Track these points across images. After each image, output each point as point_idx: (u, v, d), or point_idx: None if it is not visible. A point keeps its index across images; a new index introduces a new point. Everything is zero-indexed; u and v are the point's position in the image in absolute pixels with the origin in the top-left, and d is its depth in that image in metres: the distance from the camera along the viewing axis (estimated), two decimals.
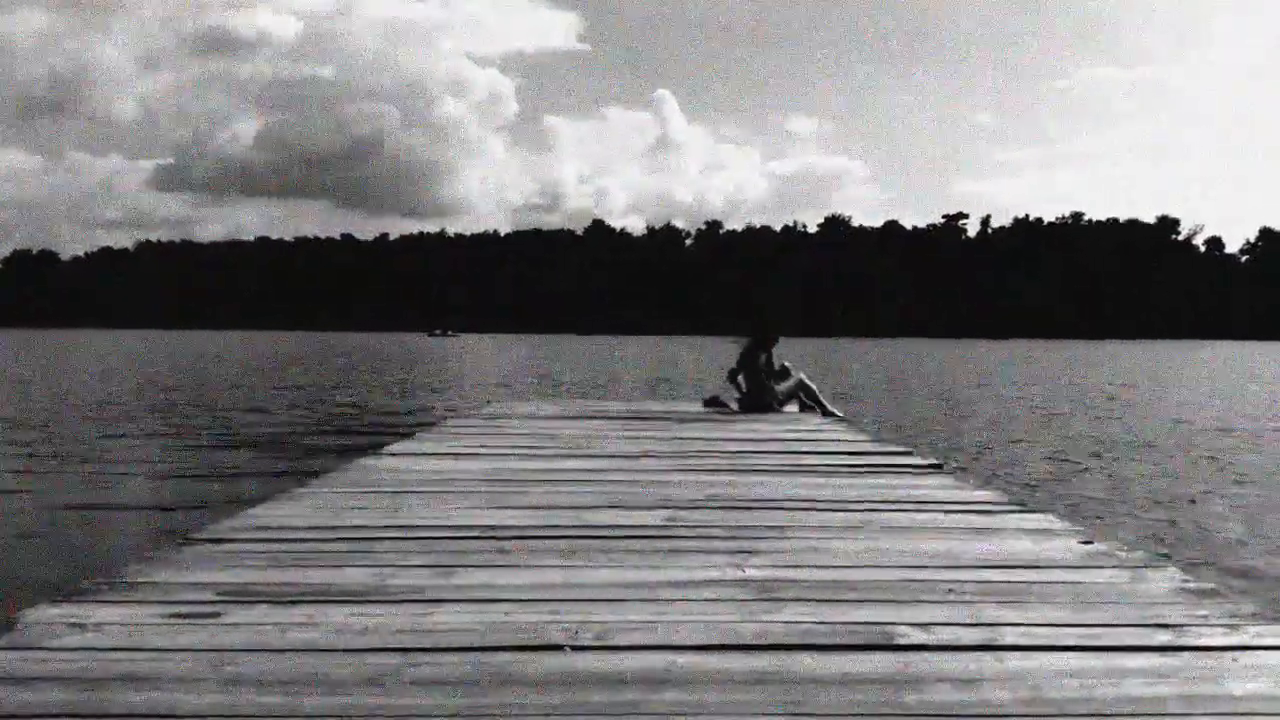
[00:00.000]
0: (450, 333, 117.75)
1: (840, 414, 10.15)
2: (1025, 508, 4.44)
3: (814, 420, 9.23)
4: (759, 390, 10.02)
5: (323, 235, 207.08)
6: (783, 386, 10.09)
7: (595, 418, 9.06)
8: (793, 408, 10.09)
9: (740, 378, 10.18)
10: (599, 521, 3.95)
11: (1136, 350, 73.82)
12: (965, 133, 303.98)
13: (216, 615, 2.61)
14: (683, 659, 2.29)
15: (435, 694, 2.09)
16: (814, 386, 10.32)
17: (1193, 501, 8.10)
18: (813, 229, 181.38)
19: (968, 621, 2.59)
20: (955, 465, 9.28)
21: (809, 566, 3.21)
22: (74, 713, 1.98)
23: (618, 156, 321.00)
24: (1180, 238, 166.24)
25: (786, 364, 10.42)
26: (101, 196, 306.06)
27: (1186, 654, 2.35)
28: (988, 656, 2.33)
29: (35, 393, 20.44)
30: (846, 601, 2.78)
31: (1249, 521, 7.23)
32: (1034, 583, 3.00)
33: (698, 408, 10.39)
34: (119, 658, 2.27)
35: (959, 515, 4.17)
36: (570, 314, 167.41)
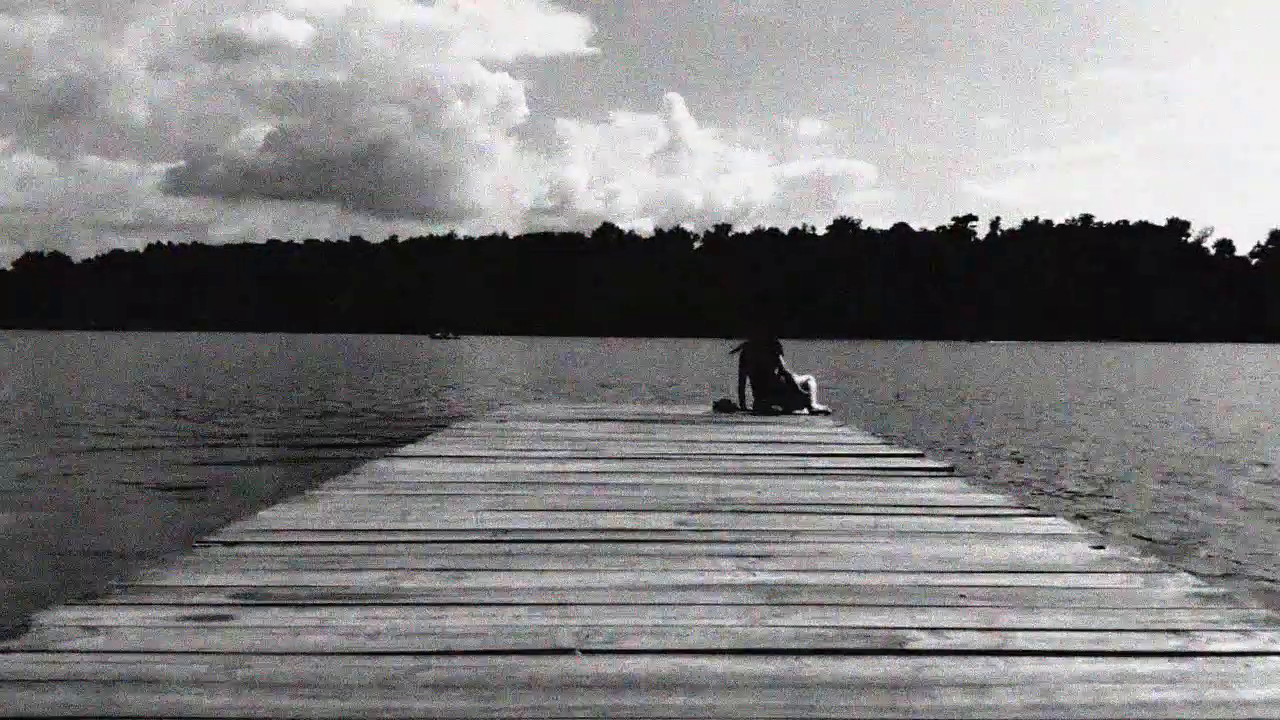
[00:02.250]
0: (450, 335, 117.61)
1: (827, 409, 10.17)
2: (1037, 512, 4.43)
3: (824, 423, 9.22)
4: (768, 391, 10.02)
5: (333, 238, 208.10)
6: (793, 386, 10.09)
7: (605, 420, 9.06)
8: (802, 411, 10.08)
9: (748, 380, 10.18)
10: (609, 525, 3.95)
11: (1145, 353, 73.53)
12: (974, 136, 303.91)
13: (229, 618, 2.62)
14: (693, 663, 2.29)
15: (446, 697, 2.09)
16: (813, 387, 10.30)
17: (1208, 506, 8.06)
18: (822, 231, 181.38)
19: (979, 626, 2.59)
20: (968, 467, 9.26)
21: (819, 570, 3.21)
22: (86, 715, 1.99)
23: (627, 159, 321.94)
24: (1190, 240, 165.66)
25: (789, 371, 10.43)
26: (114, 200, 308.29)
27: (1198, 660, 2.34)
28: (999, 661, 2.33)
29: (47, 395, 20.52)
30: (857, 606, 2.78)
31: (1264, 525, 7.20)
32: (1045, 587, 2.99)
33: (707, 410, 10.39)
34: (131, 660, 2.28)
35: (970, 519, 4.16)
36: (580, 316, 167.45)
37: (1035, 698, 2.11)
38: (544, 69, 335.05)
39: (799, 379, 10.17)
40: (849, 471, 5.71)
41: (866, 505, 4.50)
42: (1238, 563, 5.99)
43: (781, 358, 10.10)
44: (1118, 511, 7.72)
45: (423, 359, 46.18)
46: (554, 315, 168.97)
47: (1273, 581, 5.53)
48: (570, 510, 4.30)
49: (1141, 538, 6.53)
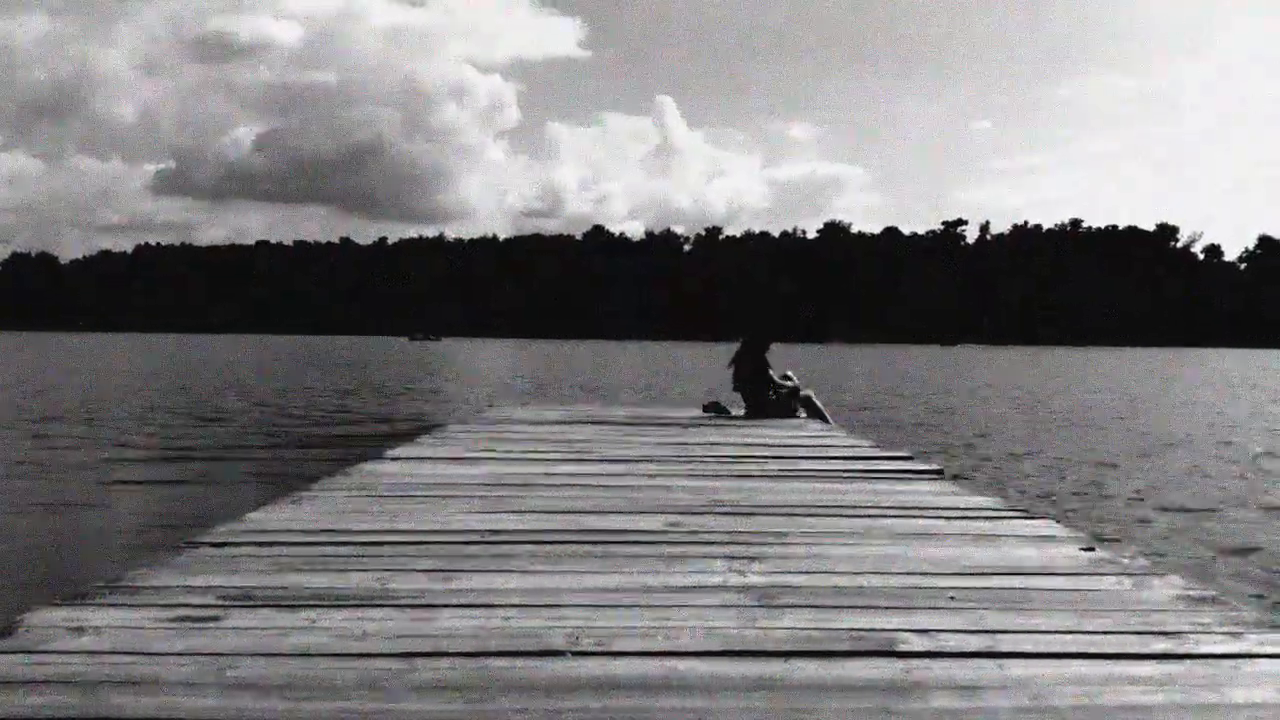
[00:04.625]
0: (430, 337, 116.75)
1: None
2: (1027, 514, 4.43)
3: (815, 426, 9.23)
4: (759, 395, 10.02)
5: (322, 240, 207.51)
6: (785, 392, 10.11)
7: (596, 423, 9.05)
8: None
9: (739, 383, 10.20)
10: (600, 526, 3.95)
11: (1132, 357, 73.79)
12: (965, 140, 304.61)
13: (217, 619, 2.60)
14: (684, 665, 2.29)
15: (435, 699, 2.08)
16: (819, 402, 10.29)
17: (1196, 509, 8.09)
18: (812, 235, 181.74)
19: (969, 628, 2.59)
20: (956, 471, 9.27)
21: (810, 572, 3.20)
22: (74, 716, 1.97)
23: (618, 162, 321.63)
24: (1179, 245, 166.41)
25: (790, 373, 10.48)
26: (102, 200, 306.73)
27: (1188, 662, 2.35)
28: (989, 664, 2.33)
29: (34, 396, 20.42)
30: (848, 608, 2.78)
31: (1252, 529, 7.23)
32: (1036, 589, 3.00)
33: (697, 413, 10.39)
34: (119, 661, 2.26)
35: (961, 521, 4.17)
36: (569, 319, 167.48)
37: (1026, 700, 2.11)
38: (535, 71, 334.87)
39: (803, 392, 10.18)
40: (839, 474, 5.72)
41: (857, 508, 4.50)
42: (1230, 563, 6.01)
43: (771, 372, 10.11)
44: (1103, 513, 7.74)
45: (394, 362, 45.87)
46: (544, 318, 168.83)
47: (1263, 582, 5.55)
48: (561, 512, 4.29)
49: (1128, 538, 6.55)
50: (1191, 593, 2.96)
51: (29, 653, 2.31)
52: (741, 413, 10.08)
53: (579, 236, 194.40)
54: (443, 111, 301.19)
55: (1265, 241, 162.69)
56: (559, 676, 2.21)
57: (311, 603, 2.77)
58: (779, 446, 7.20)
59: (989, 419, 17.28)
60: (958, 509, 4.50)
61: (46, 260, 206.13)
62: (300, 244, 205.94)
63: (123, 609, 2.67)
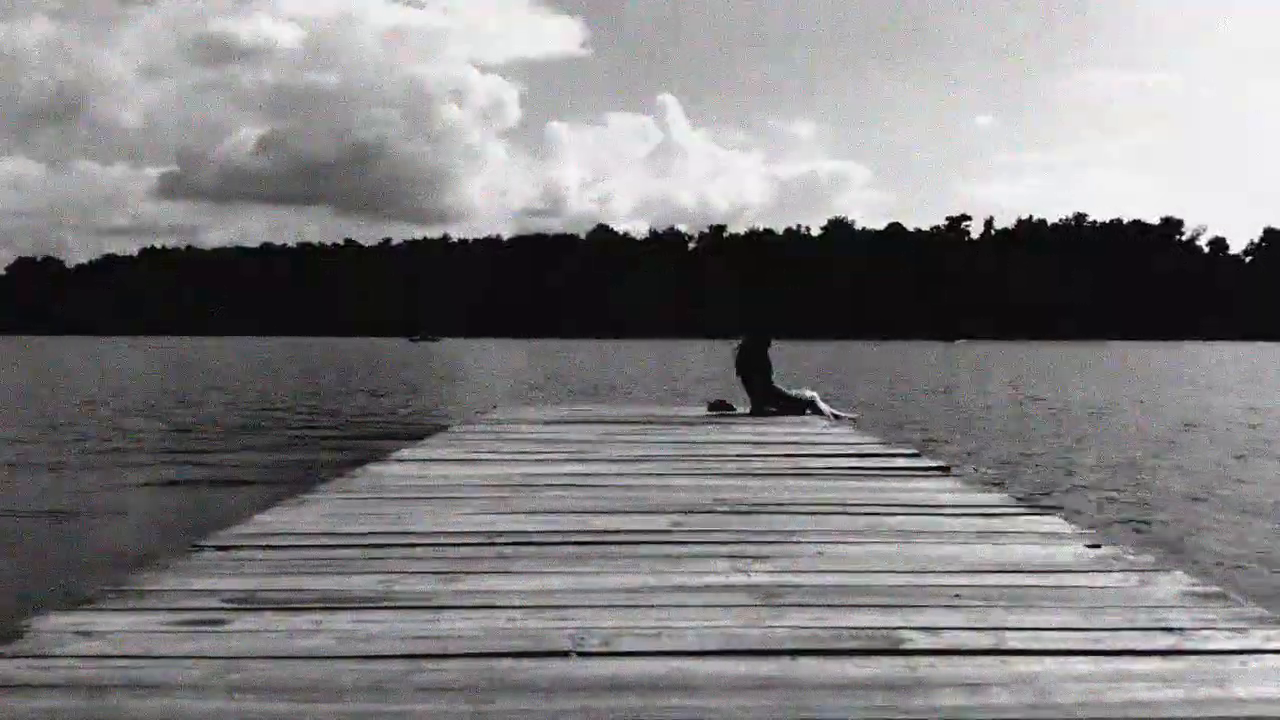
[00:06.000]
0: (430, 338, 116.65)
1: (846, 415, 10.22)
2: (1033, 510, 4.43)
3: (820, 423, 9.23)
4: (762, 392, 10.03)
5: (326, 241, 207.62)
6: (790, 391, 10.13)
7: (600, 422, 9.05)
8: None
9: (742, 383, 10.20)
10: (604, 526, 3.95)
11: (1138, 352, 73.68)
12: (968, 135, 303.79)
13: (224, 622, 2.61)
14: (688, 665, 2.29)
15: (441, 700, 2.09)
16: (823, 406, 10.27)
17: (1201, 500, 8.07)
18: (816, 232, 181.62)
19: (974, 626, 2.59)
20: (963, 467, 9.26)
21: (814, 571, 3.21)
22: None
23: (621, 161, 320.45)
24: (1184, 238, 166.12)
25: (807, 390, 10.50)
26: (106, 204, 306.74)
27: (1194, 658, 2.34)
28: (994, 661, 2.32)
29: (41, 401, 20.47)
30: (852, 606, 2.77)
31: (1259, 523, 7.21)
32: (1041, 587, 2.99)
33: (702, 411, 10.39)
34: (126, 665, 2.27)
35: (966, 518, 4.16)
36: (572, 318, 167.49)
37: (1031, 697, 2.11)
38: (536, 71, 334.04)
39: (806, 394, 10.17)
40: (844, 471, 5.71)
41: (862, 505, 4.49)
42: (1236, 560, 5.99)
43: (775, 374, 10.10)
44: (1116, 506, 7.73)
45: (396, 363, 45.82)
46: (547, 318, 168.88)
47: (1269, 578, 5.54)
48: (565, 512, 4.29)
49: (1134, 531, 6.54)
50: (1198, 589, 2.95)
51: (37, 657, 2.32)
52: (746, 411, 10.08)
53: (582, 236, 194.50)
54: (444, 112, 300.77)
55: (1271, 234, 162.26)
56: (564, 677, 2.21)
57: (317, 605, 2.78)
58: (784, 444, 7.20)
59: (992, 415, 17.26)
60: (963, 506, 4.49)
61: (51, 264, 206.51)
62: (304, 245, 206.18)
63: (129, 613, 2.68)
